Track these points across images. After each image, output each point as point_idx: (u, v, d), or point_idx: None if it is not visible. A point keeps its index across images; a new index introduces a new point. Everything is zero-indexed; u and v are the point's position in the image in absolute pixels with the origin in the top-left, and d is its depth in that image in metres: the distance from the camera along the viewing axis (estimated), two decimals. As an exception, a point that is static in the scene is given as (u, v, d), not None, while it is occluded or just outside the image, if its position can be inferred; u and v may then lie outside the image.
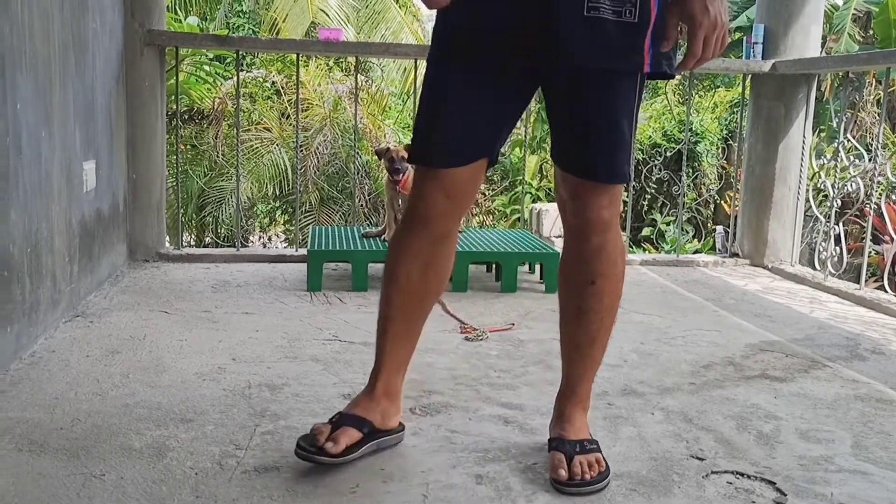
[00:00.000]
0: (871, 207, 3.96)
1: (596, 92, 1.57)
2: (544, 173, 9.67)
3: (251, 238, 9.88)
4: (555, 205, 8.62)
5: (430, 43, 1.70)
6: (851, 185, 3.96)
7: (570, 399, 1.79)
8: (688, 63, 1.49)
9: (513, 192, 9.46)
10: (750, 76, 4.28)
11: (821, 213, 4.06)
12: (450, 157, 1.64)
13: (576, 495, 1.62)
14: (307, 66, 9.77)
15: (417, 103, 1.70)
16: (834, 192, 3.93)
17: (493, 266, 3.64)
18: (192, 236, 9.27)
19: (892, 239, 4.56)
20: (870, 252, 4.40)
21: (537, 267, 3.64)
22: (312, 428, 1.72)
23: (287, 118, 9.51)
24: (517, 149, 9.54)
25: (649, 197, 8.48)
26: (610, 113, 1.58)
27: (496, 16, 1.54)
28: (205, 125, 9.21)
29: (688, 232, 8.57)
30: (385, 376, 1.78)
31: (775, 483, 1.71)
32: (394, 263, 1.76)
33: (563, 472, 1.64)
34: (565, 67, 1.55)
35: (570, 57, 1.51)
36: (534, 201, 9.12)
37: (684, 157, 4.94)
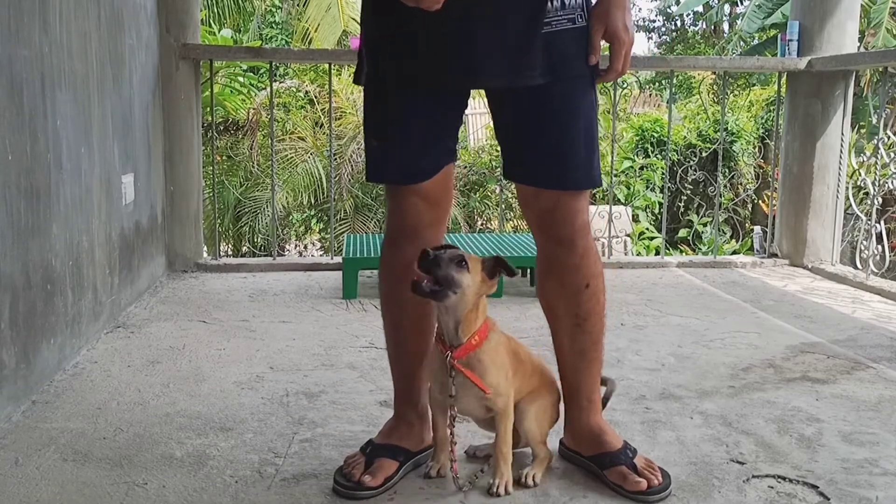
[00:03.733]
0: (913, 204, 3.88)
1: (564, 101, 1.58)
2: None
3: (287, 247, 9.95)
4: (590, 207, 8.57)
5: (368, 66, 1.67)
6: (893, 182, 3.89)
7: (590, 410, 1.75)
8: (609, 77, 1.60)
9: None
10: (785, 74, 4.23)
11: (861, 211, 3.99)
12: (416, 174, 1.65)
13: (661, 501, 1.62)
14: (340, 74, 9.83)
15: (364, 124, 1.71)
16: (874, 190, 3.86)
17: (528, 271, 3.63)
18: (229, 246, 9.37)
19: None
20: (913, 250, 4.31)
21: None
22: (346, 460, 1.71)
23: (321, 127, 9.58)
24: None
25: (685, 198, 8.38)
26: (580, 118, 1.59)
27: (441, 43, 1.53)
28: (240, 136, 9.30)
29: (725, 233, 8.47)
30: (414, 399, 1.78)
31: (818, 487, 1.68)
32: (392, 286, 1.74)
33: (643, 482, 1.63)
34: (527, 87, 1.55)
35: (532, 77, 1.53)
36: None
37: (720, 157, 4.89)
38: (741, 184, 9.27)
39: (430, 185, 1.66)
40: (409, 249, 1.67)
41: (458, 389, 1.59)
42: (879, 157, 3.85)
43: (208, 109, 4.36)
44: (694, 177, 7.95)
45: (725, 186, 8.82)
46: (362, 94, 1.70)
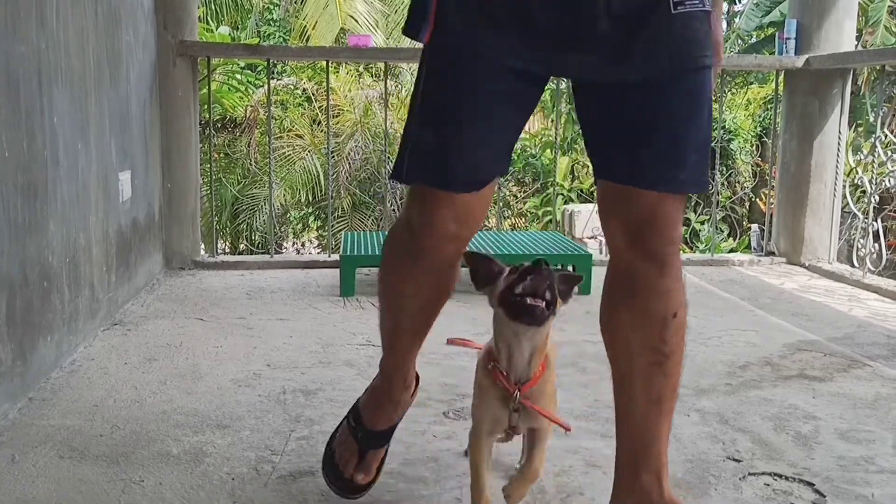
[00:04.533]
0: (910, 203, 3.89)
1: (690, 92, 1.32)
2: (576, 174, 9.64)
3: (284, 244, 9.96)
4: (586, 206, 8.58)
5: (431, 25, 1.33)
6: (890, 181, 3.90)
7: (664, 478, 1.41)
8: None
9: (544, 194, 9.44)
10: (783, 72, 4.23)
11: (858, 210, 4.00)
12: (471, 181, 1.35)
13: None
14: (337, 72, 9.83)
15: (419, 109, 1.36)
16: (872, 188, 3.86)
17: (526, 268, 3.62)
18: (227, 244, 9.38)
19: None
20: (910, 248, 4.32)
21: (570, 269, 3.62)
22: (337, 447, 1.63)
23: (318, 125, 9.59)
24: (548, 150, 9.51)
25: (683, 196, 8.40)
26: (704, 112, 1.35)
27: (567, 19, 1.26)
28: (237, 133, 9.31)
29: (722, 231, 8.49)
30: (406, 376, 1.64)
31: (814, 484, 1.68)
32: (399, 294, 1.53)
33: None
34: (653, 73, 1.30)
35: (665, 63, 1.29)
36: (565, 203, 9.09)
37: (717, 155, 4.89)
38: (739, 182, 9.29)
39: (473, 199, 1.37)
40: (424, 265, 1.46)
41: (518, 423, 1.40)
42: (877, 155, 3.86)
43: (206, 107, 4.36)
44: (691, 175, 7.95)
45: (723, 184, 8.83)
46: (426, 66, 1.34)
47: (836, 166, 4.09)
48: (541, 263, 1.29)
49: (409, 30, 1.38)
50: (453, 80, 1.32)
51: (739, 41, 13.25)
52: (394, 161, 1.43)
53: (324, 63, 4.54)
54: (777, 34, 4.26)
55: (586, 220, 8.16)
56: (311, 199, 9.35)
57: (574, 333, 2.73)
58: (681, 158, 1.33)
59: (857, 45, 5.17)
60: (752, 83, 11.46)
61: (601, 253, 6.26)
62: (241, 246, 9.30)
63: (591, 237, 8.07)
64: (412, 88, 1.40)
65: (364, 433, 1.63)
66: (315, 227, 10.06)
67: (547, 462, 1.75)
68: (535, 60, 1.29)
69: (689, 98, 1.32)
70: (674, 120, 1.32)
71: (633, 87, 1.30)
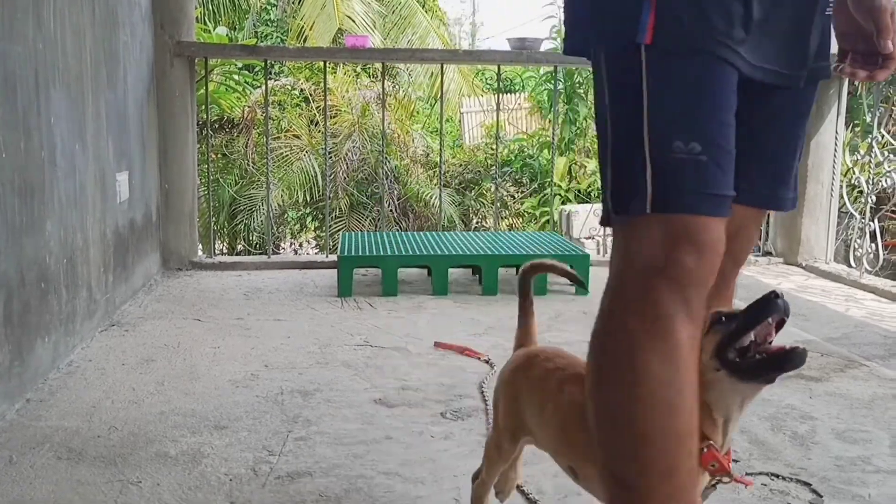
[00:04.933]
0: (907, 203, 3.90)
1: (806, 105, 1.23)
2: (573, 175, 9.64)
3: (282, 245, 9.95)
4: (584, 206, 8.58)
5: (616, 27, 1.08)
6: (886, 181, 3.90)
7: None
8: (890, 68, 1.16)
9: (541, 195, 9.45)
10: (780, 72, 4.23)
11: (855, 210, 4.00)
12: (731, 202, 1.10)
13: None
14: (335, 72, 9.83)
15: (662, 114, 1.06)
16: (869, 188, 3.87)
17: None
18: (224, 244, 9.37)
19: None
20: (907, 248, 4.34)
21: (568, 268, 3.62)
22: None
23: (316, 125, 9.58)
24: (545, 150, 9.51)
25: (680, 196, 8.40)
26: (806, 127, 1.25)
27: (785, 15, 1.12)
28: (235, 134, 9.30)
29: (720, 231, 8.48)
30: None
31: (811, 484, 1.69)
32: (671, 387, 1.07)
33: None
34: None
35: (820, 68, 1.19)
36: (563, 203, 9.09)
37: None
38: (736, 182, 9.29)
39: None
40: (697, 323, 1.11)
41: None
42: (873, 155, 3.87)
43: (203, 107, 4.35)
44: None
45: (720, 185, 8.82)
46: (650, 69, 1.06)
47: (833, 166, 4.10)
48: (773, 296, 1.04)
49: (621, 30, 1.07)
50: (706, 85, 1.07)
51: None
52: (611, 189, 1.14)
53: (321, 63, 4.54)
54: (774, 35, 4.27)
55: (583, 220, 8.16)
56: (308, 199, 9.34)
57: (573, 334, 2.73)
58: (791, 175, 1.23)
59: (853, 46, 5.19)
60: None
61: (598, 253, 6.28)
62: (239, 246, 9.29)
63: (589, 237, 8.08)
64: (613, 99, 1.11)
65: None
66: (312, 228, 10.05)
67: (545, 463, 1.76)
68: (754, 62, 1.10)
69: (808, 109, 1.23)
70: (794, 131, 1.23)
71: (771, 95, 1.17)
